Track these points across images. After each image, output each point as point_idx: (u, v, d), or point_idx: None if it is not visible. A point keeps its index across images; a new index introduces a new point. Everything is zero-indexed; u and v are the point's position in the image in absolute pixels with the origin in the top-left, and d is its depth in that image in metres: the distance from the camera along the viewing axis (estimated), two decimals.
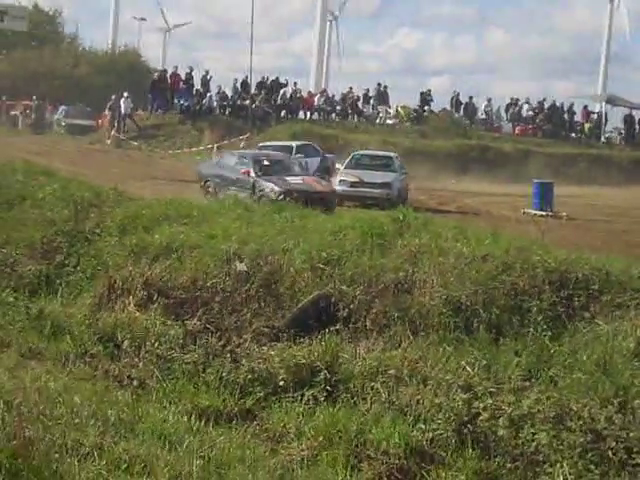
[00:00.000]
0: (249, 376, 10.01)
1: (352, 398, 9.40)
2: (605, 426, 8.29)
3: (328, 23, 62.79)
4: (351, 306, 11.18)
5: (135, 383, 10.08)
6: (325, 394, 9.50)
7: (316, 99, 49.94)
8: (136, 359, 10.60)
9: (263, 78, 48.64)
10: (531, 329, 10.19)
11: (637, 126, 54.31)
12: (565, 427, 8.41)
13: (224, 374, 10.10)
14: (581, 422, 8.38)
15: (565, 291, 10.84)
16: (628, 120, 53.77)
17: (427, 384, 9.34)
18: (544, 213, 28.89)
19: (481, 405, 8.83)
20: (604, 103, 54.75)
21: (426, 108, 50.67)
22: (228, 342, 11.06)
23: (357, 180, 29.30)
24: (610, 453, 8.08)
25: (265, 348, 10.69)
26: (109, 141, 43.82)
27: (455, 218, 19.43)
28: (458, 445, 8.52)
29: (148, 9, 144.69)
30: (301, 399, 9.48)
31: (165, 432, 8.15)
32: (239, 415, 9.46)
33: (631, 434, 8.18)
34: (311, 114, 49.32)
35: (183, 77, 48.26)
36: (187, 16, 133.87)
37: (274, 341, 10.93)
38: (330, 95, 51.74)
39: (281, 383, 9.81)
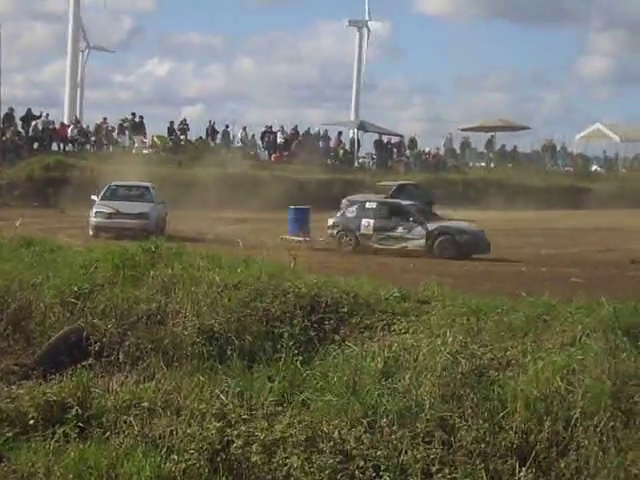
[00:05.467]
0: None
1: (104, 433, 9.22)
2: (354, 446, 8.49)
3: (80, 53, 61.84)
4: (103, 340, 11.01)
5: None
6: (77, 431, 9.27)
7: (69, 130, 49.10)
8: None
9: (9, 110, 47.39)
10: (283, 354, 10.29)
11: (391, 150, 56.35)
12: (316, 449, 8.55)
13: None
14: (331, 443, 8.54)
15: (316, 315, 11.06)
16: (378, 145, 55.68)
17: (181, 414, 9.29)
18: (301, 239, 29.43)
19: (234, 432, 8.86)
20: (356, 129, 56.42)
21: (182, 137, 50.78)
22: None
23: (114, 211, 29.15)
24: (358, 472, 8.29)
25: (14, 387, 10.36)
26: None
27: (212, 246, 19.47)
28: (211, 474, 8.52)
29: None
30: (52, 437, 9.22)
31: None
32: None
33: (379, 452, 8.41)
34: (65, 146, 48.44)
35: None
36: None
37: (24, 379, 10.61)
38: (84, 126, 51.01)
39: (31, 422, 9.50)
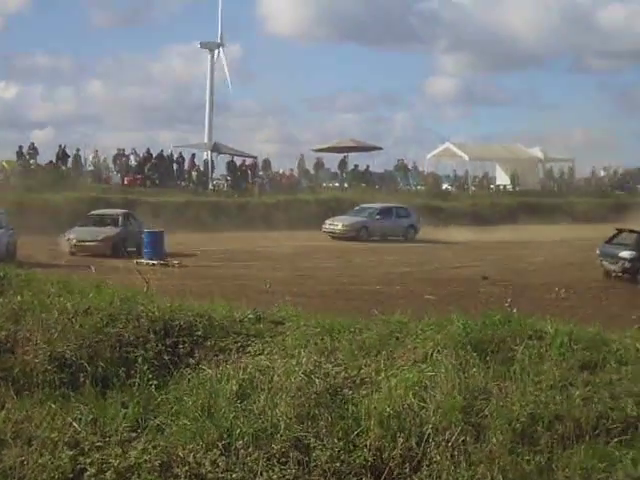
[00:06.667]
0: None
1: None
2: (210, 469, 8.48)
3: None
4: None
5: None
6: None
7: None
8: None
9: None
10: (137, 379, 10.18)
11: (246, 172, 56.40)
12: (172, 474, 8.50)
13: None
14: (187, 468, 8.50)
15: (170, 339, 10.96)
16: (231, 167, 55.73)
17: (32, 444, 9.08)
18: (155, 262, 29.25)
19: (87, 460, 8.73)
20: (210, 151, 56.31)
21: (32, 162, 49.85)
22: None
23: None
24: None
25: None
26: None
27: (64, 272, 19.12)
28: None
29: None
30: None
31: None
32: None
33: (234, 475, 8.42)
34: None
35: None
36: None
37: None
38: None
39: None
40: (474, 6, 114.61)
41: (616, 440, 8.63)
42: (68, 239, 33.39)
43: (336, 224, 44.49)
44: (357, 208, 46.74)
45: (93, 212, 36.59)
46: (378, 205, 46.98)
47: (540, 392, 9.17)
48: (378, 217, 45.16)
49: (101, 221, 35.67)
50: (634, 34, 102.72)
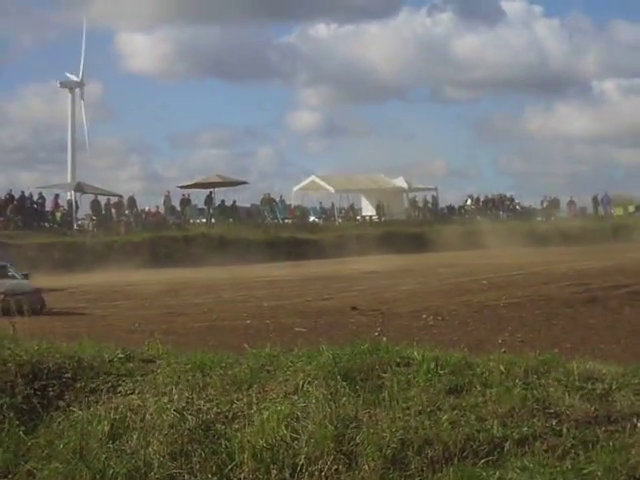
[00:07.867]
0: None
1: None
2: None
3: None
4: None
5: None
6: None
7: None
8: None
9: None
10: (6, 425, 10.02)
11: (110, 211, 55.88)
12: None
13: None
14: None
15: (39, 382, 10.81)
16: (95, 206, 55.22)
17: None
18: None
19: None
20: (73, 191, 55.66)
21: None
22: None
23: None
24: None
25: None
26: None
27: None
28: None
29: None
30: None
31: None
32: None
33: None
34: None
35: None
36: None
37: None
38: None
39: None
40: (332, 40, 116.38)
41: (483, 461, 8.83)
42: None
43: None
44: None
45: None
46: None
47: (409, 417, 9.34)
48: None
49: None
50: (488, 64, 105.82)
